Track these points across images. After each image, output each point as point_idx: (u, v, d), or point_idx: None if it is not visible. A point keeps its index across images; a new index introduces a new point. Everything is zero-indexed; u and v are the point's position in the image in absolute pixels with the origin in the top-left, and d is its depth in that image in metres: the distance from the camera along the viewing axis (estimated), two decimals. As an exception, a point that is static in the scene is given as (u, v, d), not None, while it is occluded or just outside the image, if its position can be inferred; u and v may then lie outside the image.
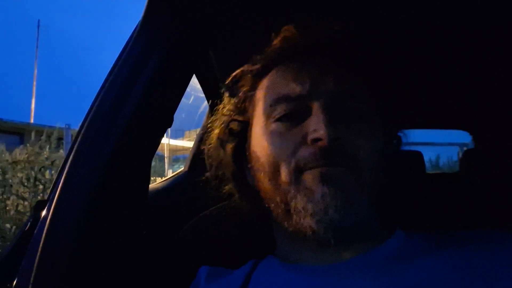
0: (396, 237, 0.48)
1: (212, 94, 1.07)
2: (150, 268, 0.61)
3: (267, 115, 0.51)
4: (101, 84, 0.63)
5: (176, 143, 11.71)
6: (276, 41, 0.53)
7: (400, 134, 0.58)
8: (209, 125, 0.62)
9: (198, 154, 1.14)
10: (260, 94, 0.54)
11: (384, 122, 0.51)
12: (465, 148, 3.24)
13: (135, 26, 0.61)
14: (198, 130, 1.23)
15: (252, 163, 0.53)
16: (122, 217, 0.57)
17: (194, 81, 0.97)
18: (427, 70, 0.96)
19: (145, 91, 0.56)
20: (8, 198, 3.58)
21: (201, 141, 1.17)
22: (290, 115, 0.49)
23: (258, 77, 0.56)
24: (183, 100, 0.66)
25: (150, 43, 0.58)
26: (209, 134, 0.62)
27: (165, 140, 9.94)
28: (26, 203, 3.52)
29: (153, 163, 0.71)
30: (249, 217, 0.61)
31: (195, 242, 0.65)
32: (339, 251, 0.47)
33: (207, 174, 0.62)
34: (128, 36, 0.63)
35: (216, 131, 0.60)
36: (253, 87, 0.56)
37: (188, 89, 0.68)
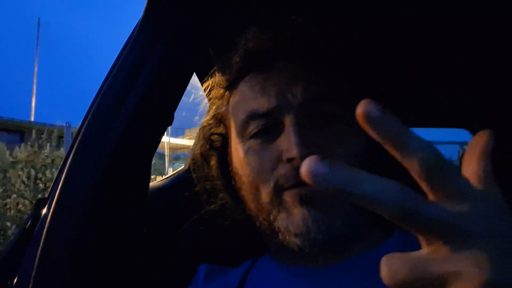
0: (393, 239, 0.48)
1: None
2: (150, 266, 0.61)
3: (241, 133, 0.50)
4: (101, 82, 0.63)
5: (177, 141, 11.72)
6: (240, 50, 0.51)
7: None
8: (195, 136, 0.62)
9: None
10: (232, 108, 0.53)
11: None
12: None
13: (135, 24, 0.61)
14: (199, 128, 1.23)
15: (236, 179, 0.53)
16: (122, 215, 0.57)
17: (195, 79, 0.96)
18: (426, 68, 0.96)
19: (146, 89, 0.56)
20: (9, 197, 3.59)
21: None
22: (263, 130, 0.48)
23: (228, 89, 0.54)
24: (184, 98, 0.66)
25: (151, 41, 0.58)
26: (196, 145, 0.61)
27: (165, 139, 9.94)
28: (26, 201, 3.53)
29: (153, 161, 0.71)
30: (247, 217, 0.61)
31: (195, 240, 0.66)
32: (334, 254, 0.46)
33: (197, 188, 0.61)
34: (129, 34, 0.62)
35: (198, 145, 0.59)
36: (226, 99, 0.55)
37: (188, 87, 0.68)
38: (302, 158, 0.43)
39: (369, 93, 0.52)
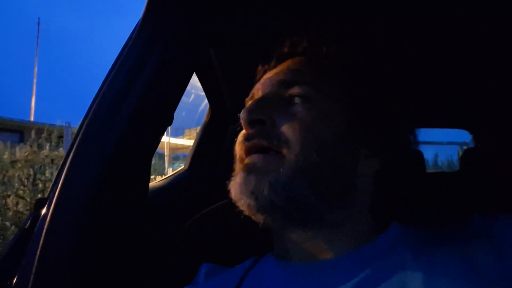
0: (390, 232, 0.47)
1: (212, 93, 1.07)
2: (150, 266, 0.61)
3: None
4: (101, 82, 0.63)
5: (176, 142, 11.73)
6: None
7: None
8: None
9: (198, 152, 1.14)
10: None
11: (353, 110, 0.49)
12: (465, 147, 3.24)
13: (135, 24, 0.61)
14: (198, 128, 1.23)
15: None
16: (122, 215, 0.57)
17: (195, 79, 0.97)
18: (427, 69, 0.96)
19: (146, 89, 0.56)
20: (8, 196, 3.59)
21: (201, 139, 1.17)
22: None
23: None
24: (183, 98, 0.66)
25: (151, 41, 0.58)
26: None
27: (165, 139, 9.94)
28: (26, 201, 3.53)
29: (153, 161, 0.71)
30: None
31: (196, 239, 0.66)
32: (326, 248, 0.46)
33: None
34: (129, 34, 0.62)
35: None
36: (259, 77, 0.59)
37: (188, 88, 0.68)
38: (248, 123, 0.46)
39: (357, 84, 0.52)
